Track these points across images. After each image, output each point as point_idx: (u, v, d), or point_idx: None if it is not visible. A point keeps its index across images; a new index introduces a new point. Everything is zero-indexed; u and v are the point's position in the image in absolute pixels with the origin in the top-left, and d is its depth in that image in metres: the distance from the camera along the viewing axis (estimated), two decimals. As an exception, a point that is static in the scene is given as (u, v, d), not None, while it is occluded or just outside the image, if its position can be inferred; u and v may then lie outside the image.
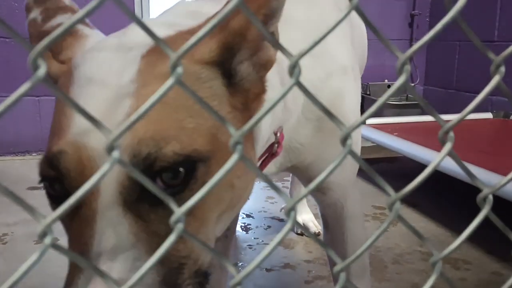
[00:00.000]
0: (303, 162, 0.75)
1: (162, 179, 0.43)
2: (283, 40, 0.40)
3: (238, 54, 0.49)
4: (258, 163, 0.65)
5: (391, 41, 0.35)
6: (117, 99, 0.43)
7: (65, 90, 0.48)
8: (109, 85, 0.45)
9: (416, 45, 0.34)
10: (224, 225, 0.53)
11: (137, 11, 2.56)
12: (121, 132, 0.29)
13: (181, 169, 0.43)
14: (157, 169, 0.42)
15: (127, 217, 0.42)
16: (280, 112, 0.63)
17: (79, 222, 0.43)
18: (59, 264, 1.37)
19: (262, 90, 0.53)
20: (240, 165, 0.50)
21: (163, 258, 0.42)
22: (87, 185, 0.29)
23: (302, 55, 0.33)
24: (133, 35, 0.50)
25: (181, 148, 0.42)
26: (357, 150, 0.82)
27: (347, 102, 0.74)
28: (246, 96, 0.51)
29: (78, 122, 0.43)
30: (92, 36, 0.58)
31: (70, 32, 0.56)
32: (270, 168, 0.72)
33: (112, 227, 0.41)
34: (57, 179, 0.45)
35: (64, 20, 0.59)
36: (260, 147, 0.60)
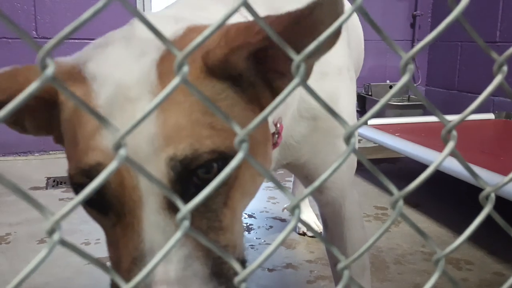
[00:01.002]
0: (299, 159, 0.76)
1: (198, 175, 0.44)
2: None
3: (255, 67, 0.49)
4: None
5: (393, 41, 0.36)
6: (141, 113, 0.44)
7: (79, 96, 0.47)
8: (130, 98, 0.44)
9: (419, 45, 0.34)
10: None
11: (139, 7, 2.57)
12: (127, 130, 0.29)
13: (214, 165, 0.44)
14: (193, 167, 0.43)
15: (173, 219, 0.43)
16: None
17: (124, 231, 0.44)
18: (61, 264, 1.38)
19: (273, 99, 0.53)
20: (258, 159, 0.51)
21: (208, 251, 0.43)
22: (94, 184, 0.29)
23: (306, 55, 0.34)
24: (142, 33, 0.50)
25: (214, 147, 0.44)
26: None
27: (342, 103, 0.75)
28: (260, 105, 0.51)
29: (104, 114, 0.44)
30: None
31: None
32: None
33: (161, 231, 0.42)
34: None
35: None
36: None
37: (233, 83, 0.48)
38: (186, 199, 0.43)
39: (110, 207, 0.45)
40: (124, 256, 0.44)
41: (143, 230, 0.43)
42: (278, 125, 0.66)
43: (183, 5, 0.62)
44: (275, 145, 0.66)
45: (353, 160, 0.82)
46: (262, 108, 0.51)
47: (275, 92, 0.51)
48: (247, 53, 0.46)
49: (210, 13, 0.61)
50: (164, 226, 0.43)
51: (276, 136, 0.66)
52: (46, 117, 0.53)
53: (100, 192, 0.44)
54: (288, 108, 0.69)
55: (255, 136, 0.50)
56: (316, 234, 0.37)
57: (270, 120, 0.61)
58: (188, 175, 0.44)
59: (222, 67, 0.47)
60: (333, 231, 0.87)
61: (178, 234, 0.31)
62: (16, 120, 0.54)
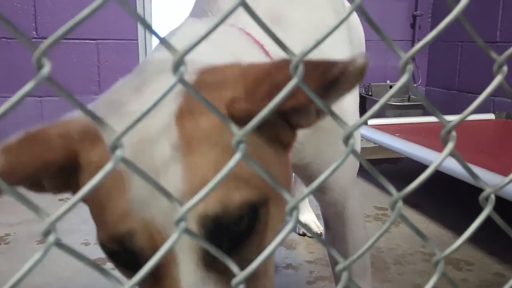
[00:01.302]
0: (301, 160, 0.75)
1: (229, 228, 0.44)
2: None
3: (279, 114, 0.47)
4: None
5: (393, 41, 0.35)
6: (164, 170, 0.42)
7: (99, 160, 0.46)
8: (152, 157, 0.43)
9: (419, 44, 0.34)
10: None
11: (139, 11, 2.57)
12: (124, 130, 0.29)
13: (245, 216, 0.44)
14: (225, 223, 0.43)
15: (211, 277, 0.43)
16: None
17: (159, 285, 0.44)
18: (60, 264, 1.38)
19: (293, 141, 0.51)
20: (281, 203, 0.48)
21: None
22: (90, 184, 0.29)
23: (305, 54, 0.33)
24: (153, 84, 0.48)
25: (244, 200, 0.43)
26: (358, 150, 0.82)
27: (345, 103, 0.74)
28: (281, 141, 0.50)
29: (136, 197, 0.42)
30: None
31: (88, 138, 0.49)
32: None
33: None
34: (128, 253, 0.44)
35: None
36: None
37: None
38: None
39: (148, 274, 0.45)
40: None
41: None
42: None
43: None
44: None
45: (355, 160, 0.81)
46: (284, 146, 0.50)
47: (295, 129, 0.49)
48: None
49: (231, 47, 0.59)
50: (202, 285, 0.42)
51: None
52: (66, 178, 0.51)
53: (134, 256, 0.44)
54: None
55: (277, 178, 0.47)
56: (315, 236, 0.37)
57: None
58: (219, 230, 0.43)
59: (248, 116, 0.44)
60: (334, 232, 0.87)
61: None
62: (34, 183, 0.52)
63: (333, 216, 0.85)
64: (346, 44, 0.79)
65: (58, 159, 0.47)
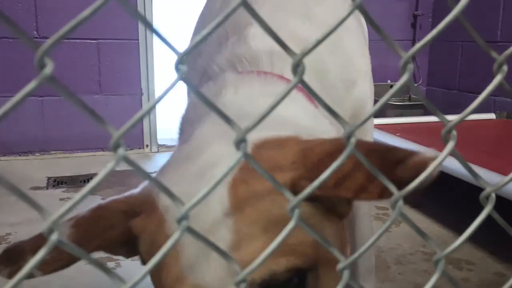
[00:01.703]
0: None
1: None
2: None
3: None
4: None
5: (394, 41, 0.36)
6: (215, 233, 0.44)
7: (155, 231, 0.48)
8: (205, 229, 0.44)
9: (419, 44, 0.34)
10: None
11: (140, 10, 2.57)
12: (125, 129, 0.29)
13: (294, 279, 0.45)
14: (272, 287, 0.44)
15: None
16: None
17: None
18: (63, 263, 1.38)
19: (348, 210, 0.51)
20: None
21: None
22: (92, 183, 0.29)
23: (305, 54, 0.33)
24: (204, 155, 0.49)
25: (290, 266, 0.44)
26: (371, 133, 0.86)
27: (368, 106, 0.78)
28: (338, 212, 0.50)
29: (189, 263, 0.44)
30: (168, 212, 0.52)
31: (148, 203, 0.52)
32: None
33: None
34: None
35: None
36: None
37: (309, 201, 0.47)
38: None
39: None
40: None
41: None
42: None
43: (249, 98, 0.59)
44: None
45: None
46: (341, 216, 0.50)
47: (351, 201, 0.50)
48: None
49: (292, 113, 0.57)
50: None
51: None
52: (132, 245, 0.54)
53: None
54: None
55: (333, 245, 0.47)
56: (316, 236, 0.37)
57: None
58: None
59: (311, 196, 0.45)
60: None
61: None
62: (110, 250, 0.56)
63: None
64: (365, 47, 0.81)
65: (120, 235, 0.51)
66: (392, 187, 0.36)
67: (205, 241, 0.31)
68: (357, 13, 0.34)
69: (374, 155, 0.38)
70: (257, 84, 0.62)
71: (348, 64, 0.72)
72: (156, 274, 0.49)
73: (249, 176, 0.45)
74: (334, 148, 0.43)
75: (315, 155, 0.44)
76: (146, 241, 0.50)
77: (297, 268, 0.44)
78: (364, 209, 0.85)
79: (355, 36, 0.79)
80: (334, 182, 0.41)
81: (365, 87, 0.76)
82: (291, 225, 0.33)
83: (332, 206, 0.48)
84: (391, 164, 0.37)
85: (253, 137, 0.46)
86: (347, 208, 0.50)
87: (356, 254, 0.37)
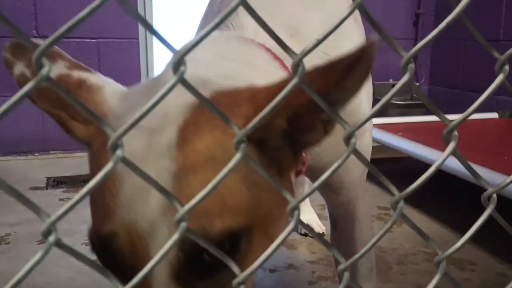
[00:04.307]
0: (318, 163, 0.75)
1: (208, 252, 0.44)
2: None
3: (283, 131, 0.46)
4: None
5: (396, 40, 0.35)
6: (158, 163, 0.43)
7: (104, 153, 0.47)
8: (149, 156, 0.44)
9: (420, 44, 0.34)
10: None
11: (140, 11, 2.57)
12: (123, 130, 0.29)
13: (226, 243, 0.44)
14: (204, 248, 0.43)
15: None
16: None
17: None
18: (62, 264, 1.38)
19: (296, 165, 0.51)
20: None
21: None
22: (90, 184, 0.29)
23: (305, 54, 0.33)
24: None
25: (224, 228, 0.43)
26: (369, 150, 0.83)
27: (364, 104, 0.75)
28: (279, 166, 0.49)
29: (124, 200, 0.43)
30: (104, 85, 0.55)
31: (78, 86, 0.54)
32: None
33: None
34: (110, 252, 0.45)
35: (59, 69, 0.56)
36: None
37: (257, 146, 0.46)
38: (195, 275, 0.44)
39: (127, 276, 0.45)
40: None
41: None
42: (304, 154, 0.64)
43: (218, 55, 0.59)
44: (299, 173, 0.63)
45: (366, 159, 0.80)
46: (280, 168, 0.49)
47: (298, 152, 0.49)
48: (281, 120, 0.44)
49: (255, 66, 0.58)
50: None
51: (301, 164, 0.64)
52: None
53: (116, 260, 0.45)
54: None
55: (274, 200, 0.47)
56: (316, 236, 0.37)
57: None
58: (197, 254, 0.43)
59: (259, 137, 0.45)
60: (342, 232, 0.86)
61: None
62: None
63: (343, 217, 0.85)
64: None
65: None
66: (393, 189, 0.36)
67: (139, 173, 0.30)
68: (355, 14, 0.33)
69: (322, 77, 0.37)
70: (234, 42, 0.64)
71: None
72: (92, 206, 0.48)
73: (201, 118, 0.45)
74: (285, 83, 0.44)
75: (265, 92, 0.44)
76: (92, 157, 0.50)
77: (231, 231, 0.43)
78: (364, 208, 0.84)
79: (358, 37, 0.79)
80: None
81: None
82: (237, 156, 0.31)
83: (278, 158, 0.48)
84: (341, 76, 0.37)
85: (214, 85, 0.48)
86: (293, 160, 0.50)
87: (357, 255, 0.37)
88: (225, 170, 0.32)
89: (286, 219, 0.50)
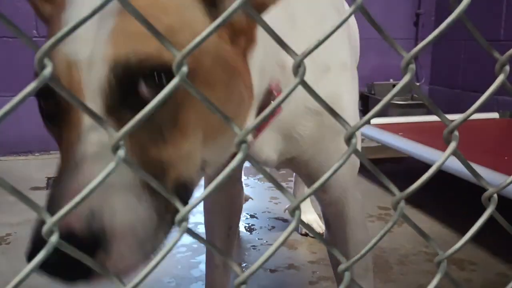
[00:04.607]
0: (302, 155, 0.74)
1: (147, 85, 0.43)
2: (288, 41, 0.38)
3: None
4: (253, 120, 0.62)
5: (396, 40, 0.35)
6: (103, 18, 0.44)
7: (57, 19, 0.48)
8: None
9: (420, 44, 0.34)
10: (215, 157, 0.53)
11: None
12: (125, 131, 0.29)
13: (163, 76, 0.43)
14: (135, 74, 0.43)
15: (110, 122, 0.43)
16: (270, 67, 0.62)
17: (67, 129, 0.44)
18: (64, 263, 1.38)
19: (248, 27, 0.52)
20: (233, 89, 0.49)
21: (144, 163, 0.42)
22: (91, 185, 0.29)
23: (306, 55, 0.33)
24: None
25: (158, 55, 0.43)
26: (359, 149, 0.80)
27: (345, 100, 0.73)
28: (231, 30, 0.50)
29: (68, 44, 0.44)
30: None
31: None
32: (270, 154, 0.71)
33: (95, 132, 0.42)
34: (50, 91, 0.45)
35: None
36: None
37: (208, 6, 0.48)
38: (127, 107, 0.43)
39: (61, 111, 0.46)
40: (64, 155, 0.43)
41: (81, 128, 0.42)
42: (275, 93, 0.63)
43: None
44: (273, 115, 0.63)
45: (355, 159, 0.79)
46: (232, 33, 0.50)
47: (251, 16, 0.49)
48: None
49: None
50: (101, 127, 0.42)
51: (272, 99, 0.63)
52: None
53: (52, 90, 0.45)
54: (288, 74, 0.62)
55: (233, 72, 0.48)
56: (316, 236, 0.37)
57: (256, 83, 0.57)
58: (131, 83, 0.43)
59: None
60: (335, 232, 0.85)
61: (179, 235, 0.30)
62: None
63: (334, 216, 0.84)
64: (346, 39, 0.78)
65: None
66: (394, 189, 0.36)
67: (139, 172, 0.30)
68: (341, 11, 0.34)
69: None
70: None
71: (325, 49, 0.71)
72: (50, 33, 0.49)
73: None
74: None
75: None
76: (50, 29, 0.51)
77: (163, 63, 0.43)
78: (355, 207, 0.82)
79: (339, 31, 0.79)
80: None
81: (340, 78, 0.72)
82: (239, 157, 0.32)
83: (230, 21, 0.49)
84: None
85: None
86: (246, 28, 0.51)
87: (358, 256, 0.37)
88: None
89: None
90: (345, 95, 0.73)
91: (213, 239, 1.01)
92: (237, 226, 1.06)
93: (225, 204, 1.04)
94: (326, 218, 0.86)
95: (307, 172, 0.77)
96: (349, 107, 0.74)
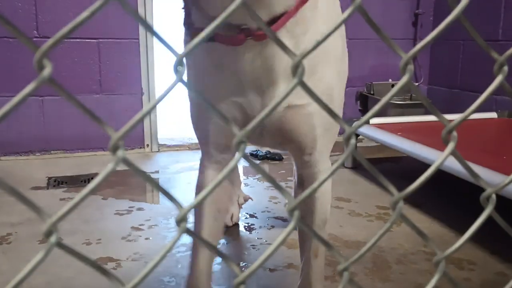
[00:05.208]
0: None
1: None
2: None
3: None
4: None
5: (395, 40, 0.35)
6: None
7: None
8: None
9: (419, 45, 0.34)
10: None
11: (141, 11, 2.57)
12: (124, 131, 0.29)
13: None
14: None
15: None
16: None
17: None
18: (62, 264, 1.38)
19: None
20: None
21: None
22: (91, 185, 0.29)
23: (305, 55, 0.33)
24: None
25: None
26: (340, 109, 0.95)
27: (328, 76, 0.84)
28: None
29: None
30: None
31: None
32: None
33: None
34: None
35: None
36: None
37: None
38: None
39: None
40: None
41: None
42: None
43: None
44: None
45: (336, 131, 0.94)
46: None
47: None
48: None
49: None
50: None
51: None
52: None
53: None
54: None
55: None
56: (317, 236, 0.37)
57: None
58: None
59: None
60: (307, 186, 0.98)
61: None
62: None
63: (306, 176, 0.97)
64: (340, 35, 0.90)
65: None
66: (392, 189, 0.36)
67: (140, 173, 0.31)
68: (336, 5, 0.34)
69: None
70: None
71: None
72: None
73: None
74: None
75: None
76: None
77: None
78: (325, 170, 0.95)
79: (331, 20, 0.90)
80: None
81: (328, 71, 0.81)
82: (237, 157, 0.32)
83: None
84: None
85: None
86: None
87: (356, 256, 0.37)
88: (229, 165, 0.32)
89: None
90: (335, 89, 0.86)
91: (200, 220, 1.01)
92: (226, 212, 1.05)
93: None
94: (300, 178, 1.00)
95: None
96: (338, 98, 0.88)
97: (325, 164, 0.96)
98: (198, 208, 1.04)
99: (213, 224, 1.03)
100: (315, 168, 0.95)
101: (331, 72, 0.86)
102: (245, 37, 0.72)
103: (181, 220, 0.31)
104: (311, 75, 0.81)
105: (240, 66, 0.76)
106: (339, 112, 0.95)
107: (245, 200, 1.80)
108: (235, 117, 0.84)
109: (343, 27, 1.00)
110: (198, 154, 1.01)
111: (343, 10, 0.36)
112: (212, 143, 0.91)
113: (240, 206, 1.76)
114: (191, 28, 0.78)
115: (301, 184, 1.00)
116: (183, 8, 0.80)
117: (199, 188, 1.02)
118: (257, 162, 2.56)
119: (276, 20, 0.72)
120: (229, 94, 0.82)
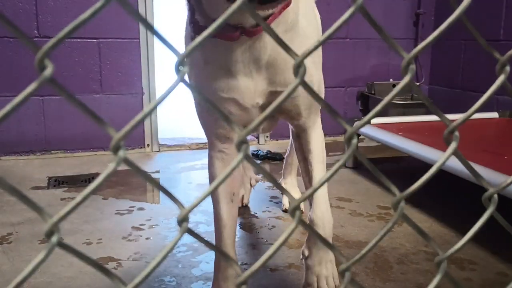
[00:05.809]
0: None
1: None
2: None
3: None
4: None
5: (396, 40, 0.35)
6: None
7: None
8: None
9: (420, 45, 0.34)
10: None
11: (141, 11, 2.57)
12: (126, 131, 0.29)
13: None
14: None
15: None
16: None
17: None
18: (62, 263, 1.38)
19: None
20: None
21: None
22: (92, 185, 0.29)
23: (306, 55, 0.33)
24: None
25: None
26: (322, 90, 1.13)
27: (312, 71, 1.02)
28: None
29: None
30: None
31: None
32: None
33: None
34: None
35: None
36: None
37: None
38: None
39: None
40: None
41: None
42: None
43: None
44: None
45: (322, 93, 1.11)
46: None
47: None
48: None
49: None
50: None
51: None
52: None
53: None
54: None
55: None
56: (318, 236, 0.37)
57: None
58: None
59: None
60: (302, 138, 1.14)
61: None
62: None
63: (300, 131, 1.13)
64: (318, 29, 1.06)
65: None
66: (394, 189, 0.36)
67: (140, 172, 0.31)
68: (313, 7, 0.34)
69: None
70: None
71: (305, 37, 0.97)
72: None
73: None
74: None
75: None
76: None
77: None
78: (316, 129, 1.11)
79: (312, 23, 1.01)
80: None
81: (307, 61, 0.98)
82: (239, 157, 0.32)
83: None
84: None
85: None
86: None
87: (357, 256, 0.37)
88: (229, 168, 0.32)
89: None
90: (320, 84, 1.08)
91: (218, 205, 1.11)
92: (238, 193, 1.17)
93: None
94: (297, 133, 1.14)
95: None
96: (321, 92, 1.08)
97: (315, 120, 1.11)
98: (213, 194, 1.15)
99: (229, 206, 1.13)
100: (306, 125, 1.10)
101: (308, 62, 0.96)
102: (240, 34, 0.85)
103: (182, 220, 0.31)
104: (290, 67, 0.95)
105: (232, 57, 0.90)
106: (321, 93, 1.12)
107: (256, 181, 1.92)
108: (230, 112, 0.97)
109: (318, 19, 1.15)
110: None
111: (344, 11, 0.36)
112: (214, 133, 1.04)
113: (252, 187, 1.91)
114: (196, 25, 0.89)
115: (297, 136, 1.15)
116: (188, 9, 0.92)
117: (211, 178, 1.15)
118: (258, 162, 2.56)
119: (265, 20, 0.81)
120: (221, 88, 0.94)
